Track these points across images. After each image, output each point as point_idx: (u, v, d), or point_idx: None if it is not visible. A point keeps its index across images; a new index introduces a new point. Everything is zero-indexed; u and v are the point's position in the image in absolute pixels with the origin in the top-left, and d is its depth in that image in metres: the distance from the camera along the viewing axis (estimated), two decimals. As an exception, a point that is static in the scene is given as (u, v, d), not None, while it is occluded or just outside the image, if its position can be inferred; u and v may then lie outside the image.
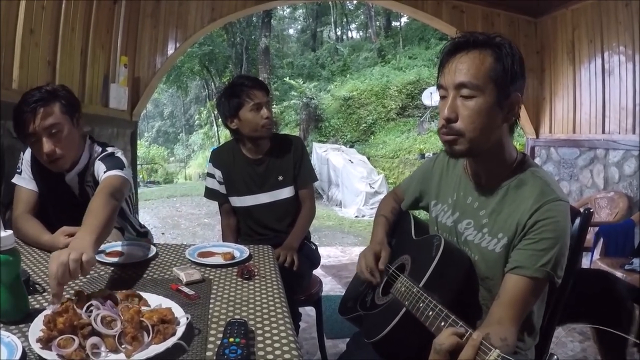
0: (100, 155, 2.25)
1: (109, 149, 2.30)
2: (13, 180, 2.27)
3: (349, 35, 31.98)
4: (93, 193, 2.02)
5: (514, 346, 1.38)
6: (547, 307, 1.66)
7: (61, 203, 2.31)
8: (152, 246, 2.06)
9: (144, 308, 1.28)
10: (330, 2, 26.53)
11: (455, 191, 1.71)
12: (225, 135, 18.78)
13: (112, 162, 2.16)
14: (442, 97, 1.50)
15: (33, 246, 2.03)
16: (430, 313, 1.31)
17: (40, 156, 2.12)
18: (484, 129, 1.44)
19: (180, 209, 12.23)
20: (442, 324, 1.23)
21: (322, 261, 3.46)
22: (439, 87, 1.52)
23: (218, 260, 1.95)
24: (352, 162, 13.21)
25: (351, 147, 16.07)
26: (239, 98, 2.73)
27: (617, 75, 4.76)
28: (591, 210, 1.72)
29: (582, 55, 5.26)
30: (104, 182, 2.02)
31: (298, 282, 2.70)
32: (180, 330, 1.21)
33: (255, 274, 1.80)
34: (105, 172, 2.09)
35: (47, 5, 3.20)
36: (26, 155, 2.29)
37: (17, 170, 2.27)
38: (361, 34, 30.90)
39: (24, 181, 2.25)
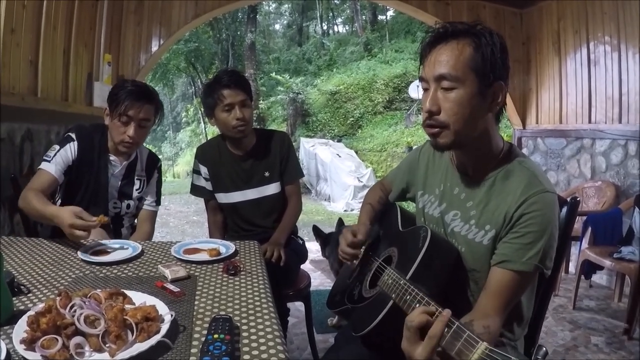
0: (157, 177, 2.75)
1: (158, 163, 2.78)
2: (40, 167, 2.36)
3: (335, 29, 32.00)
4: (141, 188, 2.64)
5: (496, 335, 1.38)
6: (536, 298, 1.66)
7: (91, 198, 2.51)
8: (138, 244, 2.05)
9: (127, 306, 1.26)
10: (315, -3, 26.53)
11: (442, 182, 1.70)
12: (212, 132, 18.75)
13: (159, 195, 2.77)
14: (425, 90, 1.49)
15: (36, 218, 2.24)
16: (417, 305, 1.29)
17: (120, 135, 2.42)
18: (467, 120, 1.42)
19: (169, 207, 12.15)
20: None
21: (311, 256, 3.46)
22: (421, 79, 1.50)
23: (204, 256, 1.94)
24: (339, 157, 13.23)
25: (339, 141, 16.12)
26: (212, 98, 2.70)
27: (603, 65, 4.79)
28: (578, 199, 1.72)
29: (567, 46, 5.28)
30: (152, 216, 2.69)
31: (286, 277, 2.69)
32: (164, 328, 1.20)
33: (241, 269, 1.79)
34: (155, 204, 2.72)
35: (27, 4, 3.15)
36: (68, 149, 2.42)
37: (46, 159, 2.37)
38: (347, 28, 30.89)
39: (52, 167, 2.34)
